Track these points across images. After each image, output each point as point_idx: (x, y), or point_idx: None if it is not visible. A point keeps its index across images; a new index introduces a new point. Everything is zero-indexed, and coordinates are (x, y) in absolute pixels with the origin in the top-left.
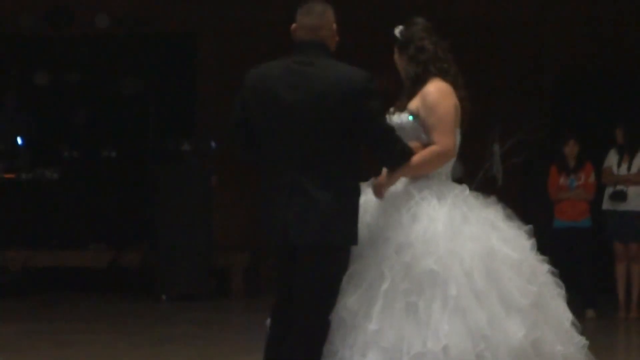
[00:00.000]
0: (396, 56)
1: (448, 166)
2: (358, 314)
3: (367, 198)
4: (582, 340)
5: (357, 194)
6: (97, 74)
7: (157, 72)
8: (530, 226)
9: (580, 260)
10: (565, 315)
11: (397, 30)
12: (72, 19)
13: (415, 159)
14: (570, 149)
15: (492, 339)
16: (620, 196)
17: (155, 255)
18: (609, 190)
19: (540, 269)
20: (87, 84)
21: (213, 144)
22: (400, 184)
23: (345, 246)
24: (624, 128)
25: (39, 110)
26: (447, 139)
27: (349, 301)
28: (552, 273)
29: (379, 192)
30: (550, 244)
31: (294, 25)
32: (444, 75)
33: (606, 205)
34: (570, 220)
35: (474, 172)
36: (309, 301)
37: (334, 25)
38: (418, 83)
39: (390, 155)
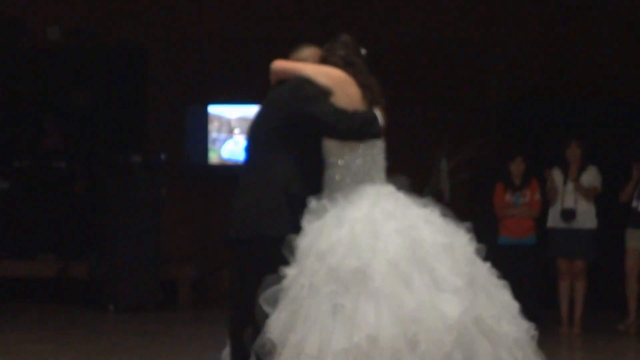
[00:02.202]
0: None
1: (377, 167)
2: (285, 331)
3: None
4: (532, 328)
5: (284, 195)
6: (48, 85)
7: (108, 84)
8: (469, 222)
9: (524, 277)
10: (511, 303)
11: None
12: (24, 31)
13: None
14: (517, 167)
15: (425, 321)
16: (570, 214)
17: (103, 266)
18: (555, 208)
19: (480, 260)
20: (38, 96)
21: (163, 156)
22: (327, 193)
23: (276, 238)
24: (581, 145)
25: None
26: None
27: (275, 320)
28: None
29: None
30: (495, 260)
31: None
32: (353, 75)
33: (552, 222)
34: (515, 237)
35: (421, 188)
36: (245, 295)
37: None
38: None
39: (339, 130)
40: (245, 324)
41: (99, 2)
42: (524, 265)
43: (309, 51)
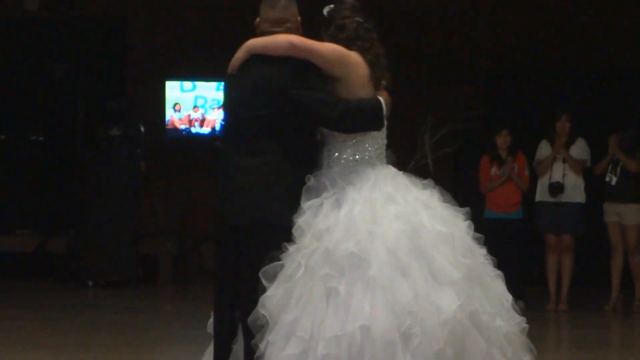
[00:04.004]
0: (323, 35)
1: (377, 148)
2: (278, 309)
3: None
4: (523, 322)
5: (288, 177)
6: (26, 56)
7: (86, 55)
8: (467, 209)
9: (510, 252)
10: (505, 295)
11: (325, 9)
12: (1, 1)
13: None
14: (503, 139)
15: (420, 314)
16: (558, 188)
17: (82, 241)
18: (543, 182)
19: (478, 248)
20: (15, 67)
21: (142, 129)
22: (325, 171)
23: (274, 226)
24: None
25: None
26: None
27: (270, 297)
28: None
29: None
30: (481, 234)
31: (257, 19)
32: (362, 52)
33: (540, 197)
34: (502, 212)
35: (406, 161)
36: (248, 282)
37: (299, 18)
38: None
39: (342, 123)
40: (235, 307)
41: None
42: (510, 240)
43: (285, 12)
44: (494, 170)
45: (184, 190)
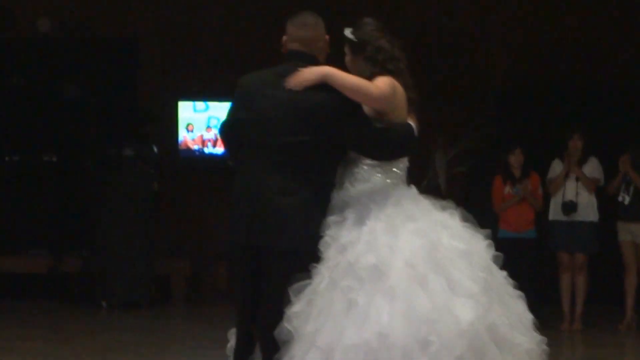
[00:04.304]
0: (348, 58)
1: (403, 169)
2: (301, 322)
3: None
4: (543, 340)
5: (323, 200)
6: (38, 77)
7: (99, 76)
8: (488, 230)
9: (524, 271)
10: (525, 314)
11: (349, 32)
12: (14, 22)
13: (346, 78)
14: (516, 158)
15: (439, 324)
16: (571, 207)
17: (96, 261)
18: (556, 201)
19: (497, 268)
20: (28, 88)
21: (155, 149)
22: (350, 190)
23: (305, 250)
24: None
25: None
26: (383, 86)
27: (296, 312)
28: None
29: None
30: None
31: (284, 37)
32: (398, 74)
33: (553, 215)
34: (515, 231)
35: (418, 180)
36: (271, 304)
37: (327, 37)
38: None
39: (379, 151)
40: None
41: None
42: (523, 259)
43: (315, 31)
44: (507, 189)
45: (197, 211)
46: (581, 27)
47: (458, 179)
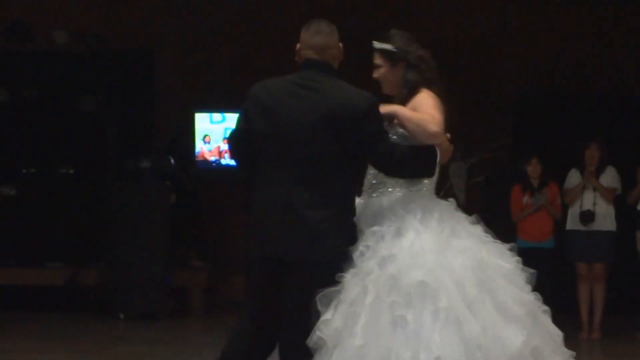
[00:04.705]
0: (385, 70)
1: (432, 181)
2: (342, 332)
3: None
4: (573, 355)
5: (350, 213)
6: (55, 90)
7: (115, 88)
8: (513, 244)
9: (542, 281)
10: (555, 330)
11: (385, 45)
12: (31, 35)
13: (411, 114)
14: (533, 168)
15: (488, 348)
16: (589, 216)
17: (113, 273)
18: (574, 211)
19: (526, 284)
20: (44, 100)
21: (172, 161)
22: (384, 200)
23: (334, 263)
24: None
25: None
26: (438, 118)
27: (332, 319)
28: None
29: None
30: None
31: (298, 45)
32: (436, 84)
33: (570, 225)
34: (534, 241)
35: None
36: (296, 316)
37: (340, 44)
38: (414, 92)
39: (398, 170)
40: (272, 346)
41: (105, 6)
42: (542, 269)
43: (329, 38)
44: (525, 199)
45: (215, 222)
46: (598, 36)
47: (475, 189)
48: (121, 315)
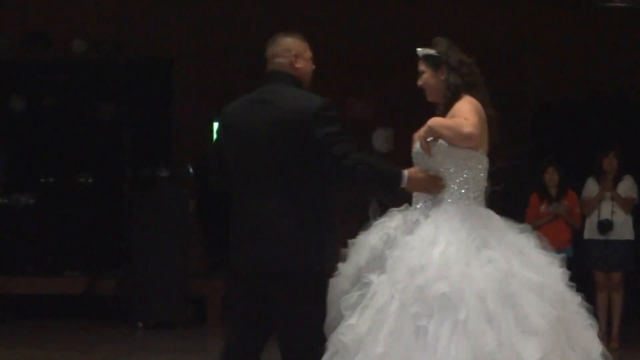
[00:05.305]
0: (428, 75)
1: (476, 189)
2: (365, 339)
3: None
4: None
5: (323, 222)
6: (74, 99)
7: (134, 97)
8: (563, 255)
9: None
10: (594, 345)
11: (427, 50)
12: (49, 44)
13: (444, 121)
14: (550, 177)
15: None
16: (607, 226)
17: (131, 282)
18: (591, 220)
19: (571, 297)
20: (63, 109)
21: (191, 169)
22: (419, 208)
23: (312, 273)
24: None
25: (15, 134)
26: (472, 120)
27: (357, 324)
28: (584, 305)
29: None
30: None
31: None
32: (478, 89)
33: (588, 234)
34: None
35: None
36: (286, 331)
37: (294, 53)
38: (456, 96)
39: (348, 176)
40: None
41: (123, 15)
42: None
43: (274, 48)
44: (543, 207)
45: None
46: (617, 41)
47: (494, 198)
48: (139, 324)
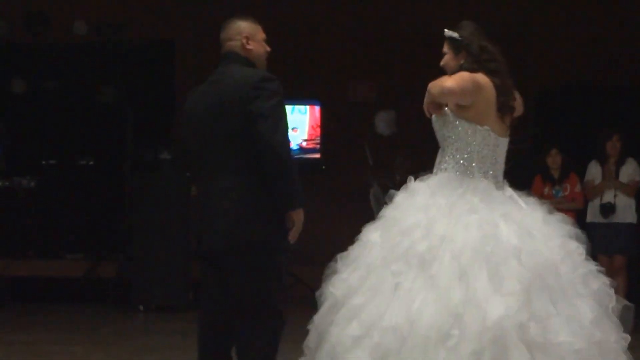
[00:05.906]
0: (449, 56)
1: (481, 163)
2: (348, 291)
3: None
4: (596, 335)
5: (265, 193)
6: (75, 81)
7: (135, 79)
8: (581, 231)
9: None
10: (586, 313)
11: (452, 33)
12: (50, 26)
13: (434, 81)
14: (553, 159)
15: (464, 318)
16: (609, 209)
17: (132, 265)
18: (594, 203)
19: (573, 266)
20: (64, 92)
21: None
22: (423, 181)
23: (258, 248)
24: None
25: (16, 117)
26: (457, 79)
27: (343, 279)
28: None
29: None
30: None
31: None
32: (497, 75)
33: (591, 217)
34: None
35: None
36: (239, 307)
37: (245, 35)
38: None
39: (270, 154)
40: (228, 342)
41: None
42: None
43: (224, 32)
44: (546, 190)
45: None
46: (620, 25)
47: None
48: (140, 307)
